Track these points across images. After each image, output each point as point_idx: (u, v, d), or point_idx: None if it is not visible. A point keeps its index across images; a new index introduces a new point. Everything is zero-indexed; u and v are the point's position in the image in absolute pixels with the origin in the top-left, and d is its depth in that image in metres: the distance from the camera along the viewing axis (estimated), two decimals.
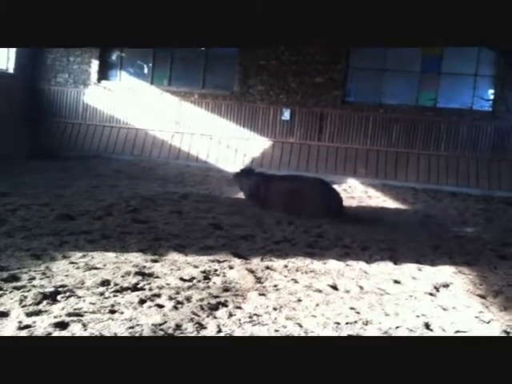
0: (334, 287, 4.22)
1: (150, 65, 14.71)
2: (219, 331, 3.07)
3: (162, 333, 2.94)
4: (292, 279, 4.35)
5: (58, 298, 3.37)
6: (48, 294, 3.37)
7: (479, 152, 13.06)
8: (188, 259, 4.65)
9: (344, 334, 3.20)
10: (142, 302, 3.44)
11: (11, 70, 13.97)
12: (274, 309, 3.55)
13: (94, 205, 6.84)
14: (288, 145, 13.85)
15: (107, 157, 13.98)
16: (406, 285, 4.49)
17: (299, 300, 3.80)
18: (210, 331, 3.06)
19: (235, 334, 3.05)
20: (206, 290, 3.82)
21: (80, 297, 3.43)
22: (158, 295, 3.61)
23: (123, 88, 14.67)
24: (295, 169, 13.04)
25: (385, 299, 4.00)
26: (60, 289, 3.51)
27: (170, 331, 2.99)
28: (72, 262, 4.20)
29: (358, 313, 3.61)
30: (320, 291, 4.06)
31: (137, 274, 4.04)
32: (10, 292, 3.39)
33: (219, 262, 4.68)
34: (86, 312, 3.16)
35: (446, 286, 4.53)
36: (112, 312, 3.21)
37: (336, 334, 3.18)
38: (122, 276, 3.95)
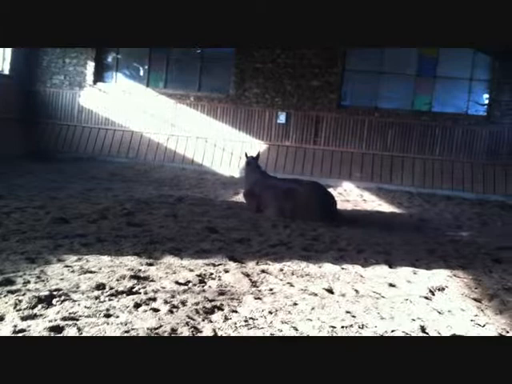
0: (330, 291, 4.21)
1: (146, 67, 14.69)
2: (215, 335, 3.06)
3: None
4: (287, 283, 4.35)
5: (53, 301, 3.35)
6: (43, 298, 3.35)
7: (474, 156, 13.10)
8: (183, 263, 4.64)
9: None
10: (137, 305, 3.43)
11: (6, 72, 13.92)
12: (270, 312, 3.54)
13: (89, 208, 6.82)
14: (283, 148, 13.86)
15: (102, 159, 13.95)
16: (401, 288, 4.49)
17: (295, 303, 3.79)
18: (206, 335, 3.05)
19: None
20: (202, 294, 3.82)
21: (75, 301, 3.41)
22: (154, 299, 3.60)
23: (119, 90, 14.64)
24: (291, 172, 13.04)
25: (380, 303, 4.00)
26: (55, 292, 3.50)
27: (166, 335, 2.97)
28: (67, 266, 4.19)
29: (353, 316, 3.61)
30: (315, 295, 4.06)
31: (132, 277, 4.02)
32: (5, 296, 3.37)
33: (215, 265, 4.67)
34: (81, 316, 3.14)
35: (442, 289, 4.53)
36: (107, 316, 3.19)
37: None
38: (117, 280, 3.93)
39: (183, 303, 3.56)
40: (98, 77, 14.82)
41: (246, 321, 3.34)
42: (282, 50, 13.66)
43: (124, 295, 3.62)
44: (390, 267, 5.20)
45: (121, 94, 14.58)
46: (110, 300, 3.50)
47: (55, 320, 3.03)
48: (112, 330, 2.96)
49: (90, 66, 14.68)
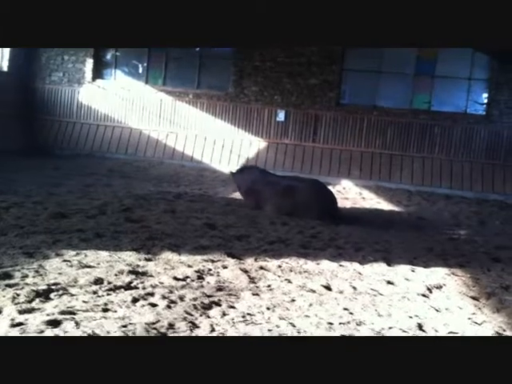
0: (328, 288, 4.22)
1: (145, 64, 14.68)
2: (212, 330, 3.06)
3: (154, 332, 2.93)
4: (286, 279, 4.35)
5: (51, 295, 3.35)
6: (41, 292, 3.35)
7: (473, 155, 13.11)
8: (182, 258, 4.64)
9: (337, 334, 3.20)
10: (135, 300, 3.43)
11: (5, 68, 13.90)
12: (268, 308, 3.55)
13: (88, 203, 6.82)
14: (283, 146, 13.86)
15: (101, 156, 13.95)
16: (399, 286, 4.50)
17: (293, 300, 3.80)
18: (203, 330, 3.05)
19: (228, 334, 3.04)
20: (200, 290, 3.82)
21: (73, 295, 3.41)
22: (152, 294, 3.60)
23: (118, 87, 14.63)
24: (290, 170, 13.03)
25: (378, 300, 4.01)
26: (53, 287, 3.49)
27: (163, 330, 2.97)
28: (65, 260, 4.18)
29: (351, 313, 3.62)
30: (313, 291, 4.06)
31: (130, 272, 4.02)
32: (3, 290, 3.36)
33: (213, 261, 4.67)
34: (78, 310, 3.14)
35: (439, 287, 4.54)
36: (105, 310, 3.19)
37: (329, 334, 3.18)
38: (116, 274, 3.93)
39: (181, 298, 3.56)
40: (97, 74, 14.81)
41: (243, 316, 3.34)
42: (282, 49, 13.65)
43: (122, 290, 3.62)
44: (388, 265, 5.21)
45: (120, 90, 14.57)
46: (108, 295, 3.50)
47: (53, 314, 3.02)
48: (110, 324, 2.96)
49: (89, 63, 14.67)
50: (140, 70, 14.83)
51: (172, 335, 2.93)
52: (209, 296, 3.69)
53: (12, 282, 3.54)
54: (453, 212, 10.00)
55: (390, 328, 3.38)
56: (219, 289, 3.90)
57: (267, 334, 3.10)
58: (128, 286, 3.72)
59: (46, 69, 14.81)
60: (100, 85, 14.72)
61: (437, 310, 3.88)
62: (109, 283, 3.72)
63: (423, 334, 3.35)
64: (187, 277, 4.11)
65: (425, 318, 3.68)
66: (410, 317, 3.67)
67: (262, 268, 4.62)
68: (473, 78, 13.23)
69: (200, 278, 4.15)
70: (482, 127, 13.06)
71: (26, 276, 3.70)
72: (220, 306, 3.52)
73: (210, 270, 4.40)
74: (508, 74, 12.75)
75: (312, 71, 13.68)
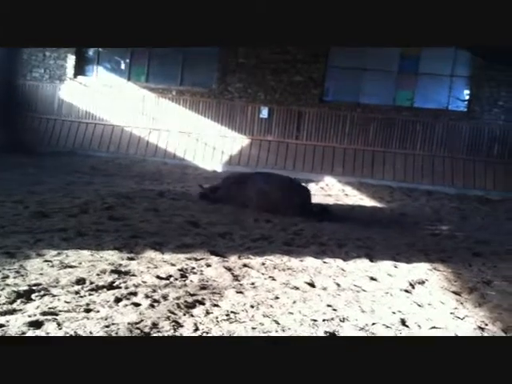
0: (311, 284, 4.23)
1: (128, 61, 14.58)
2: (196, 329, 3.05)
3: (138, 331, 2.91)
4: (269, 277, 4.35)
5: (33, 296, 3.30)
6: (22, 293, 3.30)
7: (454, 151, 13.24)
8: (165, 257, 4.62)
9: (321, 330, 3.21)
10: (117, 300, 3.40)
11: None
12: (252, 306, 3.54)
13: (69, 202, 6.74)
14: (266, 143, 13.86)
15: (83, 153, 13.82)
16: (382, 282, 4.53)
17: (276, 297, 3.80)
18: (187, 329, 3.04)
19: (212, 332, 3.03)
20: (183, 288, 3.80)
21: (55, 295, 3.37)
22: (134, 293, 3.57)
23: (100, 84, 14.52)
24: (273, 167, 13.04)
25: (361, 296, 4.03)
26: (34, 287, 3.45)
27: (147, 330, 2.95)
28: (46, 260, 4.13)
29: (334, 310, 3.63)
30: (297, 288, 4.07)
31: (113, 272, 3.99)
32: None
33: (196, 259, 4.66)
34: (60, 311, 3.10)
35: (422, 282, 4.58)
36: (87, 311, 3.16)
37: (313, 331, 3.19)
38: (98, 274, 3.90)
39: (164, 298, 3.54)
40: (79, 70, 14.68)
41: (227, 315, 3.33)
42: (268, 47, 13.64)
43: (104, 290, 3.59)
44: (371, 261, 5.24)
45: (102, 87, 14.46)
46: (90, 295, 3.46)
47: (35, 315, 2.98)
48: (92, 324, 2.93)
49: (71, 59, 14.54)
50: (122, 67, 14.73)
51: (156, 335, 2.91)
52: (192, 295, 3.67)
53: None
54: (434, 208, 10.09)
55: (374, 324, 3.39)
56: (203, 287, 3.89)
57: (251, 331, 3.09)
58: (110, 286, 3.68)
59: (28, 65, 14.65)
60: (82, 81, 14.59)
61: (419, 306, 3.91)
62: (91, 283, 3.68)
63: (406, 330, 3.37)
64: (170, 275, 4.08)
65: (408, 313, 3.70)
66: (394, 312, 3.69)
67: (245, 266, 4.62)
68: (455, 75, 13.35)
69: (183, 276, 4.13)
70: (464, 124, 13.19)
71: (7, 277, 3.64)
72: (204, 304, 3.50)
73: (193, 268, 4.38)
74: (489, 71, 12.88)
75: (297, 68, 13.70)
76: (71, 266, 4.06)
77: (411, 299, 4.06)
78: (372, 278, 4.60)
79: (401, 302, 3.98)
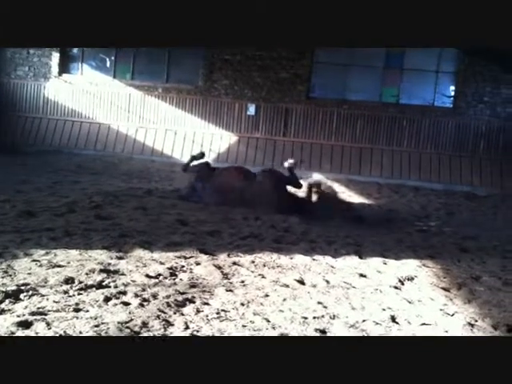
0: (301, 282, 4.23)
1: (113, 58, 14.46)
2: (186, 328, 3.04)
3: (128, 331, 2.89)
4: (259, 274, 4.35)
5: (21, 296, 3.28)
6: (10, 293, 3.27)
7: (441, 147, 13.32)
8: (154, 256, 4.59)
9: (311, 328, 3.21)
10: (107, 299, 3.38)
11: None
12: (242, 304, 3.54)
13: (56, 201, 6.68)
14: (253, 140, 13.84)
15: (69, 152, 13.69)
16: (371, 278, 4.54)
17: (266, 295, 3.80)
18: (177, 328, 3.03)
19: (203, 331, 3.02)
20: (173, 287, 3.78)
21: (43, 295, 3.34)
22: (124, 293, 3.55)
23: (85, 82, 14.39)
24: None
25: (351, 293, 4.04)
26: (23, 287, 3.42)
27: (137, 329, 2.94)
28: (34, 260, 4.10)
29: (324, 307, 3.63)
30: (287, 286, 4.07)
31: (101, 271, 3.96)
32: None
33: (186, 258, 4.64)
34: (49, 311, 3.08)
35: (411, 279, 4.60)
36: (76, 310, 3.14)
37: (303, 328, 3.19)
38: (87, 273, 3.87)
39: (154, 296, 3.52)
40: (64, 68, 14.53)
41: (217, 313, 3.33)
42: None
43: (93, 289, 3.56)
44: (361, 258, 5.25)
45: (87, 85, 14.34)
46: (79, 294, 3.44)
47: (23, 315, 2.96)
48: (82, 324, 2.91)
49: (55, 57, 14.38)
50: (108, 64, 14.61)
51: (146, 334, 2.90)
52: (182, 293, 3.66)
53: None
54: (422, 204, 10.15)
55: (364, 321, 3.41)
56: (192, 286, 3.88)
57: (241, 329, 3.09)
58: (99, 285, 3.66)
59: (11, 63, 14.46)
60: (67, 79, 14.45)
61: (409, 302, 3.93)
62: (80, 282, 3.65)
63: (396, 326, 3.38)
64: (160, 274, 4.07)
65: (397, 309, 3.72)
66: (383, 309, 3.71)
67: (235, 264, 4.61)
68: (440, 71, 13.42)
69: (173, 275, 4.11)
70: (450, 120, 13.27)
71: None
72: (194, 302, 3.49)
73: (182, 266, 4.37)
74: (475, 66, 12.98)
75: (282, 65, 13.68)
76: (60, 266, 4.03)
77: (401, 296, 4.08)
78: (361, 275, 4.61)
79: (390, 298, 4.00)
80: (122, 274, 3.99)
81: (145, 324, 3.02)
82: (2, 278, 3.62)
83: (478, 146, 13.18)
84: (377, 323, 3.38)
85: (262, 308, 3.52)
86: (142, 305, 3.34)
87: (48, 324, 2.87)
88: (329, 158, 13.57)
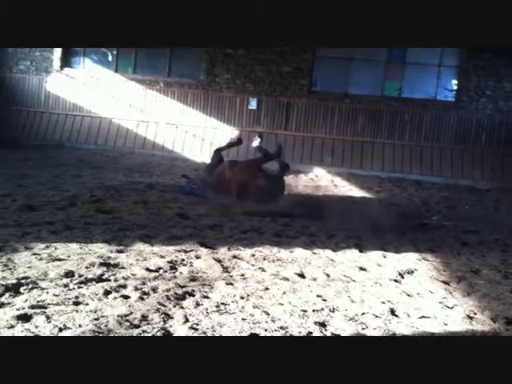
0: (301, 275, 4.23)
1: (115, 52, 14.44)
2: (186, 321, 3.05)
3: (127, 324, 2.90)
4: (259, 268, 4.36)
5: (21, 290, 3.29)
6: (10, 286, 3.29)
7: (442, 141, 13.28)
8: (154, 249, 4.60)
9: (311, 321, 3.21)
10: (107, 293, 3.39)
11: None
12: (242, 297, 3.55)
13: (57, 195, 6.70)
14: (255, 134, 13.80)
15: (70, 146, 13.70)
16: (371, 272, 4.55)
17: (266, 288, 3.80)
18: (177, 321, 3.03)
19: (202, 324, 3.03)
20: (173, 280, 3.79)
21: (43, 289, 3.35)
22: (124, 286, 3.56)
23: (87, 76, 14.38)
24: None
25: (351, 286, 4.04)
26: (23, 281, 3.43)
27: (136, 322, 2.95)
28: (35, 254, 4.11)
29: (324, 300, 3.64)
30: (287, 279, 4.08)
31: (101, 264, 3.97)
32: None
33: (186, 251, 4.65)
34: (49, 304, 3.09)
35: (411, 272, 4.60)
36: (76, 304, 3.15)
37: (303, 321, 3.20)
38: (87, 267, 3.88)
39: (154, 290, 3.54)
40: (65, 62, 14.51)
41: (217, 306, 3.34)
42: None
43: (93, 283, 3.58)
44: (361, 251, 5.26)
45: (89, 79, 14.33)
46: (79, 288, 3.45)
47: (23, 308, 2.97)
48: (81, 317, 2.92)
49: (57, 51, 14.36)
50: (109, 58, 14.60)
51: (145, 328, 2.90)
52: (182, 286, 3.67)
53: None
54: (423, 198, 10.13)
55: (363, 314, 3.41)
56: (192, 279, 3.89)
57: (241, 322, 3.10)
58: (99, 279, 3.67)
59: (13, 57, 14.46)
60: (68, 73, 14.44)
61: (408, 295, 3.94)
62: (80, 276, 3.67)
63: (396, 319, 3.39)
64: (160, 268, 4.08)
65: (397, 303, 3.72)
66: (383, 302, 3.71)
67: (235, 257, 4.62)
68: (442, 65, 13.37)
69: (173, 268, 4.12)
70: (452, 113, 13.23)
71: None
72: (193, 296, 3.50)
73: (182, 260, 4.38)
74: (477, 60, 12.92)
75: (285, 59, 13.65)
76: (60, 259, 4.04)
77: (400, 289, 4.09)
78: (361, 268, 4.61)
79: (390, 291, 4.01)
80: (122, 268, 4.00)
81: (144, 317, 3.03)
82: (2, 271, 3.63)
83: (479, 140, 13.13)
84: (376, 316, 3.39)
85: (262, 301, 3.53)
86: (141, 298, 3.35)
87: (48, 317, 2.88)
88: (330, 151, 13.54)
